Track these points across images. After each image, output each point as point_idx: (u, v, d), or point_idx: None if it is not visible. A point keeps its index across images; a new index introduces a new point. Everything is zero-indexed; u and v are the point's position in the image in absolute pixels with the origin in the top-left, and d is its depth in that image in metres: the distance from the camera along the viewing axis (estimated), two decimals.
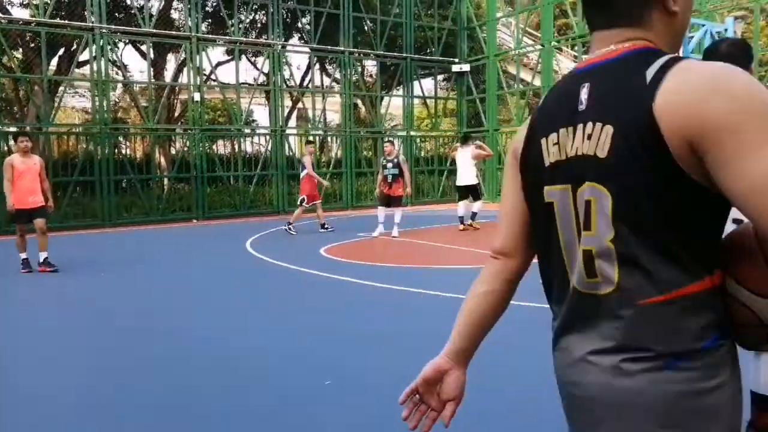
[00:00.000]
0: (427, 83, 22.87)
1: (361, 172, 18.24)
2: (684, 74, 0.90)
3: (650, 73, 0.93)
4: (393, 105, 23.30)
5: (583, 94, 1.01)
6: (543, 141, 1.08)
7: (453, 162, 19.52)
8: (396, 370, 3.80)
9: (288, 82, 20.41)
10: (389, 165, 10.81)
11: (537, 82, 18.19)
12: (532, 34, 20.88)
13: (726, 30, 12.53)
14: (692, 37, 12.02)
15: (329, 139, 20.16)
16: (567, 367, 1.08)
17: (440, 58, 19.67)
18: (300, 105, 21.01)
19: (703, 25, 12.27)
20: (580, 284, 1.02)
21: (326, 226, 11.88)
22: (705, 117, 0.86)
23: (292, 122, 28.12)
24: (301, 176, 11.99)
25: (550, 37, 17.31)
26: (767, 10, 27.97)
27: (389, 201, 10.88)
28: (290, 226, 11.41)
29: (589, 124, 0.99)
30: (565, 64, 22.43)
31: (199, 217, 15.25)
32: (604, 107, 0.97)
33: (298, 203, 11.87)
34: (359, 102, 21.91)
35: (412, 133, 19.68)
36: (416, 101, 21.39)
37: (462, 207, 11.58)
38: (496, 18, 19.23)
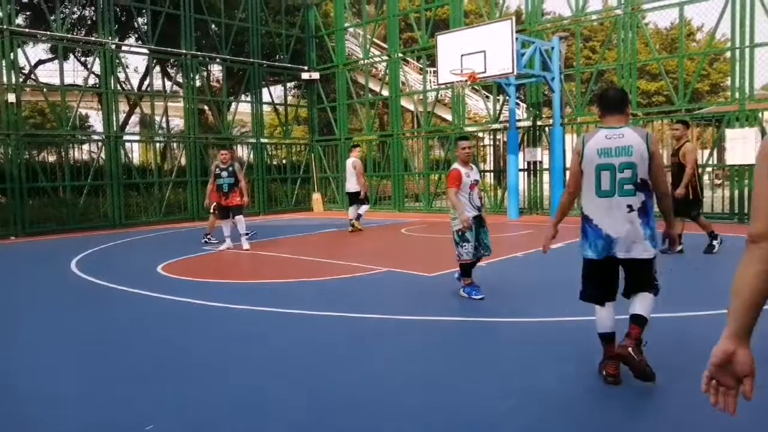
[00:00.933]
0: (278, 90, 22.46)
1: (207, 181, 17.17)
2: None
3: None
4: (243, 112, 22.53)
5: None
6: None
7: (305, 170, 19.31)
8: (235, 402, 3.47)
9: (124, 85, 18.89)
10: (224, 174, 10.12)
11: (385, 92, 18.54)
12: (380, 46, 21.30)
13: (552, 48, 13.63)
14: (524, 53, 12.89)
15: (173, 145, 18.93)
16: None
17: (289, 65, 19.37)
18: (139, 110, 19.50)
19: (533, 43, 13.22)
20: None
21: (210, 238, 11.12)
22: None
23: (134, 128, 26.18)
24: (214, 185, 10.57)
25: (396, 48, 17.74)
26: (584, 34, 31.36)
27: (228, 212, 10.28)
28: (205, 236, 11.13)
29: None
30: (412, 76, 23.15)
31: (18, 234, 13.48)
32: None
33: (211, 211, 11.09)
34: (206, 108, 20.91)
35: (263, 140, 19.09)
36: (268, 108, 20.84)
37: (352, 211, 12.34)
38: (344, 28, 19.33)
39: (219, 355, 4.46)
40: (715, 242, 8.34)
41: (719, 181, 16.47)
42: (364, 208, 12.47)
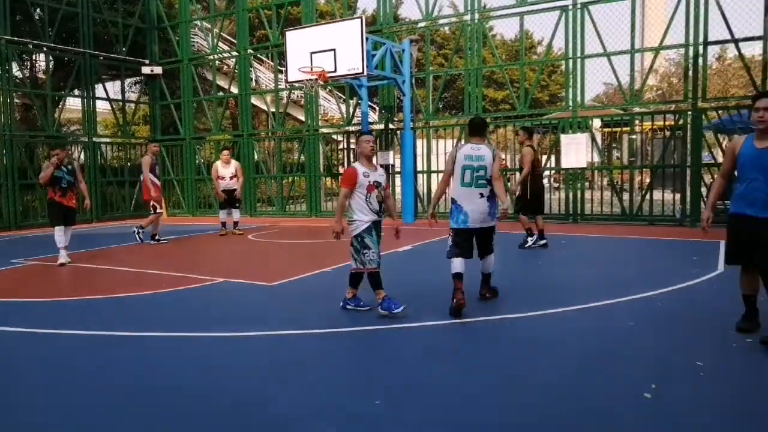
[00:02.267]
0: (117, 85, 20.50)
1: (27, 185, 15.14)
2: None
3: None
4: (75, 108, 20.30)
5: None
6: None
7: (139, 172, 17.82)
8: None
9: None
10: (64, 170, 8.70)
11: (235, 90, 17.59)
12: (230, 41, 20.25)
13: (403, 50, 13.64)
14: (375, 55, 12.73)
15: None
16: None
17: (128, 58, 17.71)
18: None
19: (384, 44, 13.11)
20: None
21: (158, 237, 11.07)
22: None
23: None
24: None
25: (246, 44, 16.89)
26: (437, 41, 32.42)
27: (65, 214, 8.76)
28: (139, 231, 10.99)
29: None
30: (267, 75, 22.29)
31: None
32: None
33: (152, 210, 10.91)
34: (30, 102, 18.50)
35: (96, 139, 17.24)
36: (105, 105, 18.89)
37: (222, 214, 12.19)
38: (190, 20, 18.08)
39: None
40: (530, 239, 9.13)
41: (557, 184, 17.56)
42: (236, 214, 12.27)
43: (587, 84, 12.77)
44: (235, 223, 12.26)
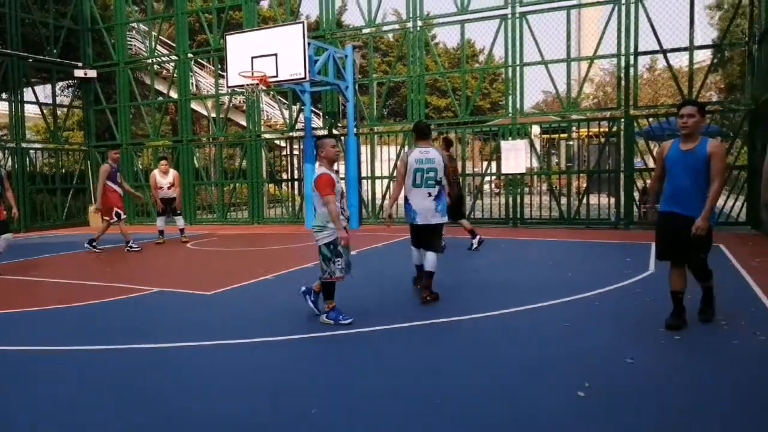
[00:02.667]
0: (47, 89, 19.62)
1: None
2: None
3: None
4: (2, 112, 19.35)
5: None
6: None
7: (80, 180, 17.32)
8: None
9: None
10: None
11: (174, 95, 17.12)
12: (169, 45, 19.73)
13: (346, 56, 13.61)
14: (317, 60, 12.66)
15: None
16: None
17: (59, 60, 16.96)
18: None
19: (327, 50, 13.05)
20: None
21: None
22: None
23: None
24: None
25: (185, 48, 16.48)
26: (381, 48, 32.62)
27: None
28: (127, 245, 10.68)
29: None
30: (208, 80, 21.82)
31: None
32: None
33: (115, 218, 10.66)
34: None
35: (25, 144, 16.43)
36: (33, 109, 18.03)
37: (160, 221, 11.98)
38: (126, 22, 17.51)
39: None
40: (474, 241, 9.50)
41: (497, 190, 17.88)
42: (180, 222, 12.13)
43: (527, 91, 13.17)
44: (181, 230, 12.03)
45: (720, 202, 11.24)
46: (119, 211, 10.70)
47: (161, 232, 11.82)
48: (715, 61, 13.76)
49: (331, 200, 4.95)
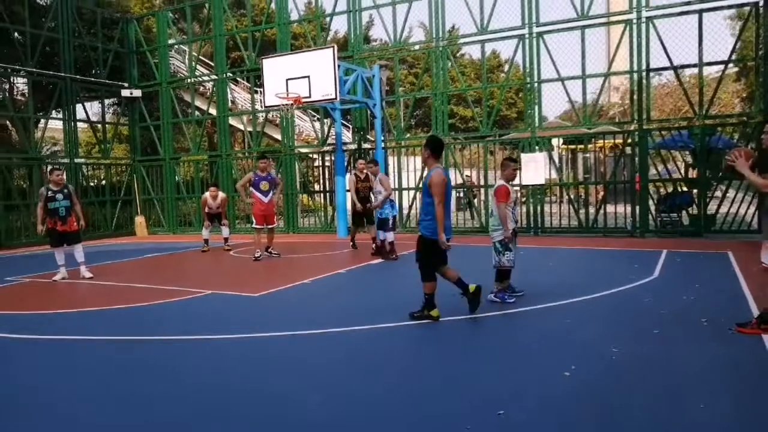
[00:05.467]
0: (96, 107, 21.00)
1: (11, 205, 15.63)
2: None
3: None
4: (56, 129, 20.75)
5: None
6: None
7: (127, 192, 18.39)
8: None
9: None
10: (59, 196, 9.09)
11: (213, 111, 18.26)
12: (207, 63, 20.94)
13: (374, 75, 14.51)
14: (347, 80, 13.58)
15: None
16: None
17: (107, 81, 18.26)
18: None
19: (355, 71, 13.97)
20: None
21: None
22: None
23: None
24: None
25: (223, 68, 17.61)
26: (408, 60, 33.54)
27: (63, 239, 9.30)
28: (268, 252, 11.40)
29: None
30: (243, 96, 23.07)
31: None
32: None
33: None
34: (9, 124, 18.92)
35: (78, 160, 17.75)
36: (85, 127, 19.38)
37: (205, 231, 13.05)
38: (168, 44, 18.74)
39: None
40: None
41: (523, 199, 18.54)
42: (225, 231, 13.06)
43: (552, 103, 13.90)
44: (226, 240, 13.07)
45: (733, 209, 11.83)
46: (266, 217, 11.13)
47: (206, 241, 12.88)
48: (736, 70, 14.21)
49: (501, 207, 6.46)
